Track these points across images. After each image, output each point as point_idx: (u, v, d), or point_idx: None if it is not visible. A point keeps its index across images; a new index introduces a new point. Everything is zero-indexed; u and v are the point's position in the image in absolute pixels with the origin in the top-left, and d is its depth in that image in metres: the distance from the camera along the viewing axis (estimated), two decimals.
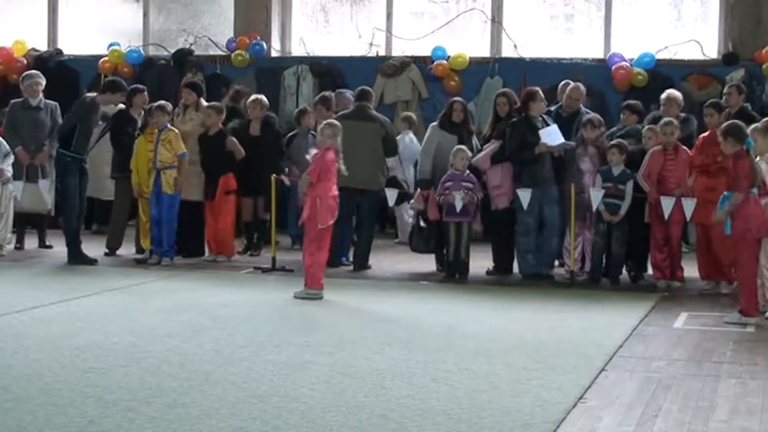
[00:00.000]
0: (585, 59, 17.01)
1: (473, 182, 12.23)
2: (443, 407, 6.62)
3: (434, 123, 13.03)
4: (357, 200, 13.08)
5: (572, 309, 10.43)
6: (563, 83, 13.65)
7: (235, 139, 13.57)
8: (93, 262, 13.22)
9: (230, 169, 13.50)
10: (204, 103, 14.13)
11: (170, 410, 6.43)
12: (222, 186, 13.44)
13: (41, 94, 14.28)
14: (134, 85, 14.52)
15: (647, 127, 12.44)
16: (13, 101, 14.54)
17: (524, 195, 12.01)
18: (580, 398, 6.94)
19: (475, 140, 13.04)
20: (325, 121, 11.37)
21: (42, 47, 19.28)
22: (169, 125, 13.18)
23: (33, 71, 15.10)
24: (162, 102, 13.40)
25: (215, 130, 13.58)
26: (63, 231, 13.51)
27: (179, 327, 9.16)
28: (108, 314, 9.76)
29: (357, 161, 12.78)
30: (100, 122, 13.90)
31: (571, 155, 12.22)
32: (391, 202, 13.02)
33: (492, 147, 12.49)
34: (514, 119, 12.41)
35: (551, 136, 12.11)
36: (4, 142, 13.80)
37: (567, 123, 12.59)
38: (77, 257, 13.18)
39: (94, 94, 13.71)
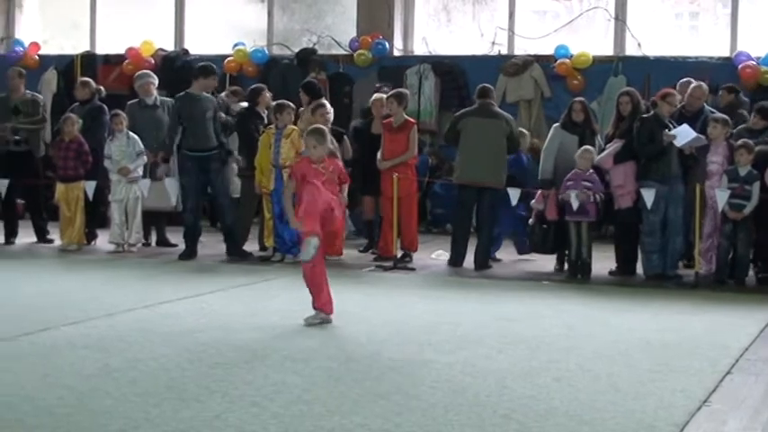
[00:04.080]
0: (711, 58, 16.73)
1: (592, 181, 12.16)
2: (565, 408, 6.59)
3: (557, 124, 13.02)
4: (477, 197, 13.07)
5: (697, 310, 10.30)
6: (681, 81, 13.49)
7: (347, 142, 13.35)
8: (246, 256, 13.64)
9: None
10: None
11: (294, 407, 6.50)
12: None
13: (155, 92, 14.56)
14: (256, 85, 14.69)
15: None
16: (129, 102, 14.82)
17: (648, 194, 11.89)
18: (705, 401, 6.85)
19: (598, 140, 12.95)
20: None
21: (169, 47, 19.65)
22: (290, 124, 13.29)
23: (145, 71, 15.44)
24: (284, 101, 13.50)
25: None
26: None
27: (302, 324, 9.24)
28: (232, 311, 9.92)
29: (479, 158, 12.78)
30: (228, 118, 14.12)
31: (702, 152, 12.04)
32: (514, 201, 12.93)
33: (615, 146, 12.39)
34: (644, 115, 12.29)
35: (682, 134, 11.94)
36: (139, 141, 14.06)
37: (690, 123, 12.42)
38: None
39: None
